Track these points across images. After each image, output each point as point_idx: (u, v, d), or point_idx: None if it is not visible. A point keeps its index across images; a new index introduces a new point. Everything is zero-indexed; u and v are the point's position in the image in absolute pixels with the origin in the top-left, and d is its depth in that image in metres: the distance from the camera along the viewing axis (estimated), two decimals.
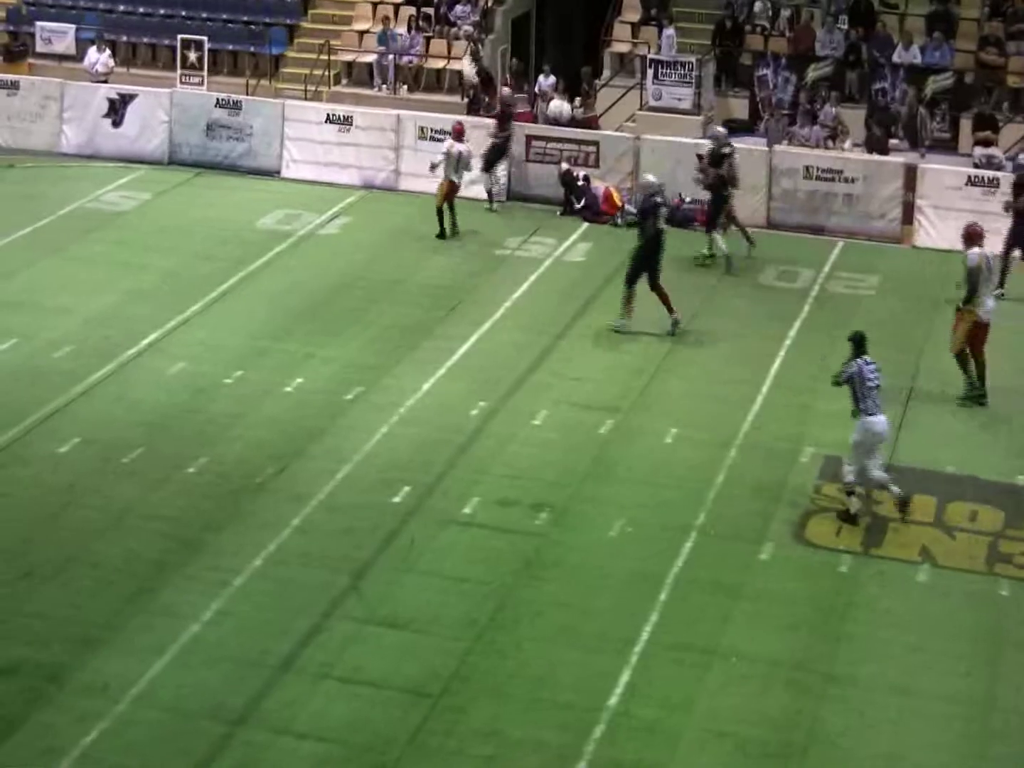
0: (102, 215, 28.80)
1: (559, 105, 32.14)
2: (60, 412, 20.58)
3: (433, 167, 27.75)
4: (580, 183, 29.01)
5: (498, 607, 16.28)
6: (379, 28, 35.11)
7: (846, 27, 33.16)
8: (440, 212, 27.80)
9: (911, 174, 28.22)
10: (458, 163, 27.92)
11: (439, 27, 35.20)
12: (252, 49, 35.82)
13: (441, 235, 27.78)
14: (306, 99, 33.45)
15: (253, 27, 36.27)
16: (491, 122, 30.11)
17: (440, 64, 34.64)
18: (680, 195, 28.23)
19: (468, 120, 30.39)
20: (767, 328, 23.91)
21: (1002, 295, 24.96)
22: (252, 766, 13.91)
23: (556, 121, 31.80)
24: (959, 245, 26.40)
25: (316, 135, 31.18)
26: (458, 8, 35.30)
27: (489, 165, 29.26)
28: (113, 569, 16.88)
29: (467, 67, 32.51)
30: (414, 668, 15.22)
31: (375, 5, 36.27)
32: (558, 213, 28.94)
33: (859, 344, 18.27)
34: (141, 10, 37.08)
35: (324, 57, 34.59)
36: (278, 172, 31.39)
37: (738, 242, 26.88)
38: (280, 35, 36.07)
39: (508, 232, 28.00)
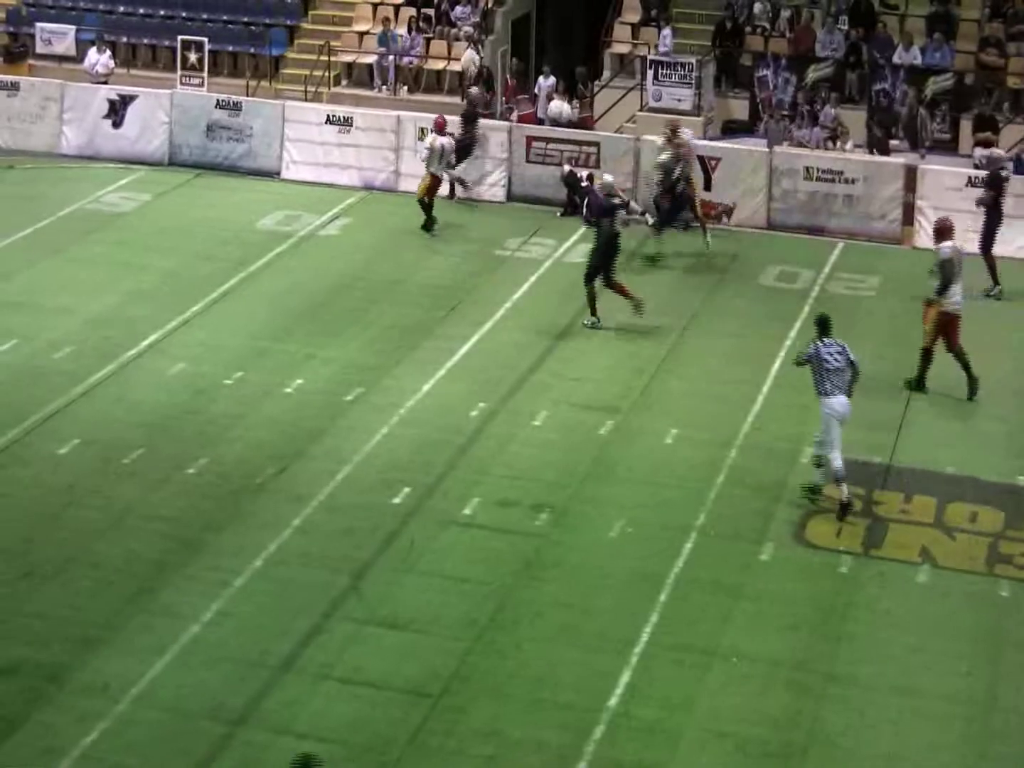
0: (102, 216, 28.80)
1: (559, 106, 32.13)
2: (60, 413, 20.58)
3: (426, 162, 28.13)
4: (583, 184, 28.97)
5: (498, 607, 16.28)
6: (379, 29, 35.12)
7: (846, 28, 33.17)
8: (423, 203, 28.10)
9: (911, 175, 28.23)
10: (442, 156, 28.24)
11: (439, 28, 35.20)
12: (252, 50, 35.81)
13: (427, 226, 28.05)
14: (306, 100, 33.44)
15: (253, 28, 36.27)
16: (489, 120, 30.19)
17: (440, 65, 34.64)
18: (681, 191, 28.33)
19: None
20: (767, 329, 23.91)
21: (1000, 293, 25.04)
22: (252, 766, 13.91)
23: (556, 122, 31.78)
24: (964, 247, 26.55)
25: (316, 136, 31.18)
26: (458, 9, 35.31)
27: (451, 164, 29.27)
28: (113, 569, 16.88)
29: (466, 59, 32.41)
30: (414, 668, 15.23)
31: (375, 6, 36.27)
32: (558, 214, 28.93)
33: (823, 326, 18.51)
34: (141, 11, 37.08)
35: (324, 58, 34.60)
36: (278, 173, 31.39)
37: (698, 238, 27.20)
38: (280, 36, 36.07)
39: (508, 233, 28.00)
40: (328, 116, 31.29)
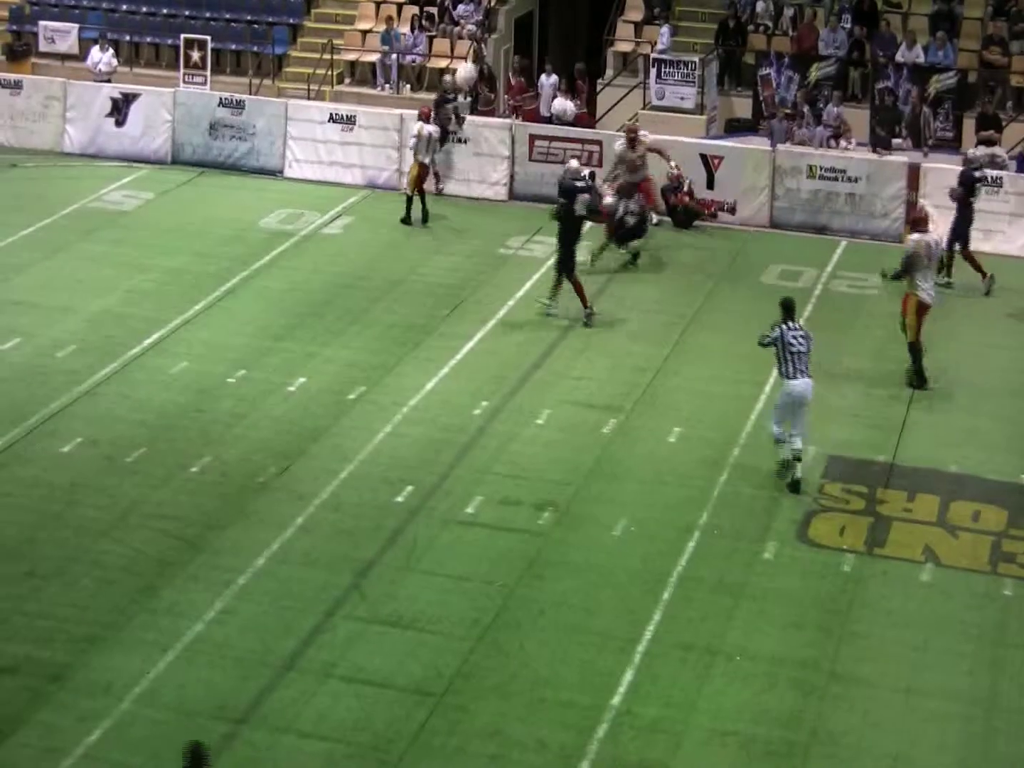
0: (105, 215, 28.80)
1: (562, 104, 32.11)
2: (63, 411, 20.59)
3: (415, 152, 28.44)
4: (586, 183, 28.94)
5: (501, 606, 16.28)
6: (382, 28, 35.10)
7: (849, 26, 33.15)
8: (410, 199, 28.28)
9: (914, 173, 28.19)
10: (428, 144, 28.46)
11: (442, 26, 35.19)
12: (255, 49, 35.81)
13: (406, 220, 28.25)
14: (309, 99, 33.44)
15: (256, 26, 36.26)
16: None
17: (443, 63, 34.61)
18: (685, 188, 28.37)
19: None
20: (770, 328, 23.82)
21: (950, 283, 25.08)
22: (255, 765, 13.91)
23: (560, 120, 31.76)
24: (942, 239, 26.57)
25: (319, 135, 31.16)
26: (461, 7, 35.30)
27: (437, 152, 29.32)
28: (116, 568, 16.89)
29: (463, 71, 32.39)
30: (417, 667, 15.23)
31: (378, 4, 36.25)
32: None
33: (787, 310, 19.03)
34: (144, 9, 37.07)
35: (327, 56, 34.58)
36: (281, 172, 31.37)
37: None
38: (283, 34, 36.07)
39: (511, 231, 27.98)
40: (331, 115, 31.27)
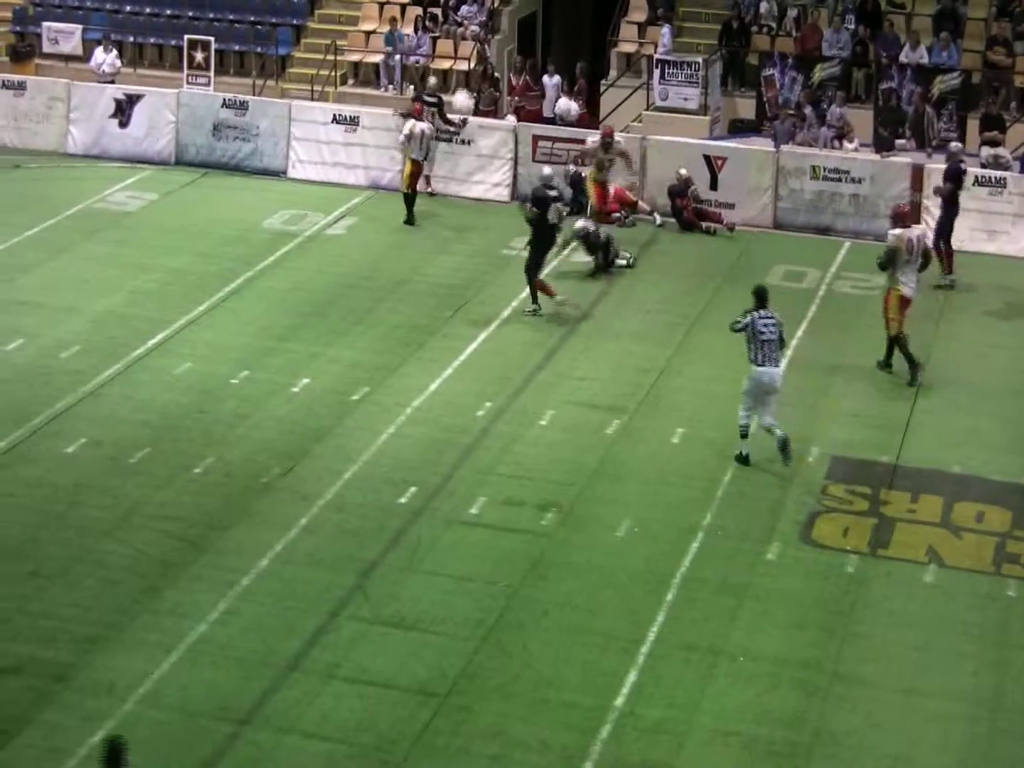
0: (109, 215, 28.82)
1: (566, 104, 32.12)
2: (67, 412, 20.59)
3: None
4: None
5: (504, 607, 16.27)
6: (386, 28, 35.12)
7: (853, 27, 33.13)
8: (407, 198, 28.43)
9: (918, 174, 28.18)
10: (421, 142, 28.52)
11: (446, 27, 35.19)
12: (258, 49, 35.82)
13: (409, 221, 28.35)
14: (312, 99, 33.45)
15: (259, 27, 36.28)
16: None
17: (447, 64, 34.62)
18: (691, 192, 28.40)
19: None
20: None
21: (952, 283, 25.10)
22: (259, 765, 13.91)
23: (563, 120, 31.77)
24: (967, 245, 26.65)
25: (322, 135, 31.18)
26: (464, 8, 35.30)
27: (430, 151, 29.37)
28: (119, 569, 16.89)
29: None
30: (420, 668, 15.23)
31: (381, 5, 36.27)
32: (564, 213, 28.86)
33: (759, 297, 19.32)
34: (148, 10, 37.10)
35: (330, 57, 34.60)
36: (284, 172, 31.39)
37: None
38: (286, 35, 36.08)
39: (514, 232, 27.93)
40: (334, 115, 31.29)
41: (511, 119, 31.38)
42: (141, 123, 32.17)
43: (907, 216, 22.19)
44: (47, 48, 36.54)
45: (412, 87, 33.02)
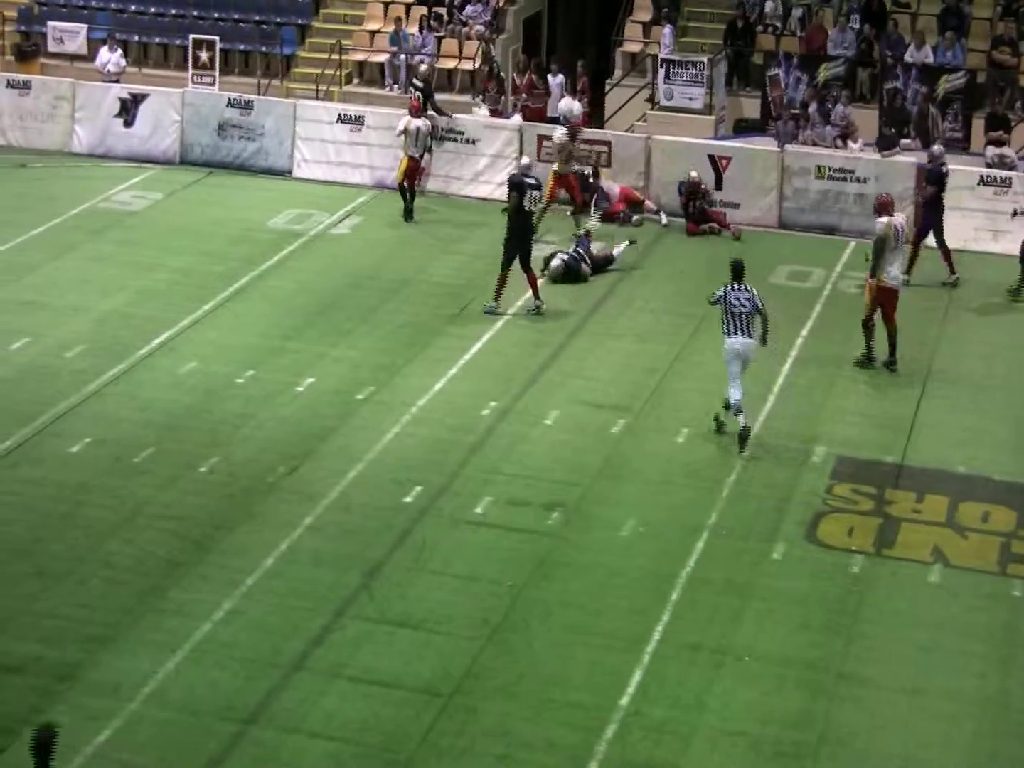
0: (114, 215, 28.82)
1: (569, 104, 32.08)
2: (71, 412, 20.60)
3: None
4: (590, 180, 29.01)
5: (509, 607, 16.27)
6: (391, 28, 35.12)
7: (858, 26, 33.11)
8: (402, 188, 28.54)
9: (922, 174, 28.10)
10: (416, 138, 28.60)
11: (451, 27, 35.20)
12: (264, 49, 35.83)
13: (406, 216, 28.52)
14: (317, 99, 33.45)
15: (264, 27, 36.29)
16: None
17: (452, 64, 34.63)
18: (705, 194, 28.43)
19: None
20: (778, 328, 23.79)
21: (907, 281, 25.16)
22: (263, 765, 13.91)
23: (566, 120, 31.72)
24: (972, 245, 26.61)
25: (327, 135, 31.17)
26: (469, 8, 35.30)
27: (428, 148, 29.48)
28: (124, 568, 16.89)
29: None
30: (425, 668, 15.22)
31: (386, 5, 36.29)
32: (569, 212, 28.89)
33: (735, 271, 19.91)
34: (153, 10, 37.11)
35: (335, 57, 34.61)
36: (289, 172, 31.39)
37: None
38: (291, 35, 36.08)
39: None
40: (339, 115, 31.28)
41: (517, 119, 31.34)
42: (146, 122, 32.16)
43: (891, 205, 22.42)
44: (52, 47, 36.56)
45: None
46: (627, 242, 26.61)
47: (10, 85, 33.04)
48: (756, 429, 20.38)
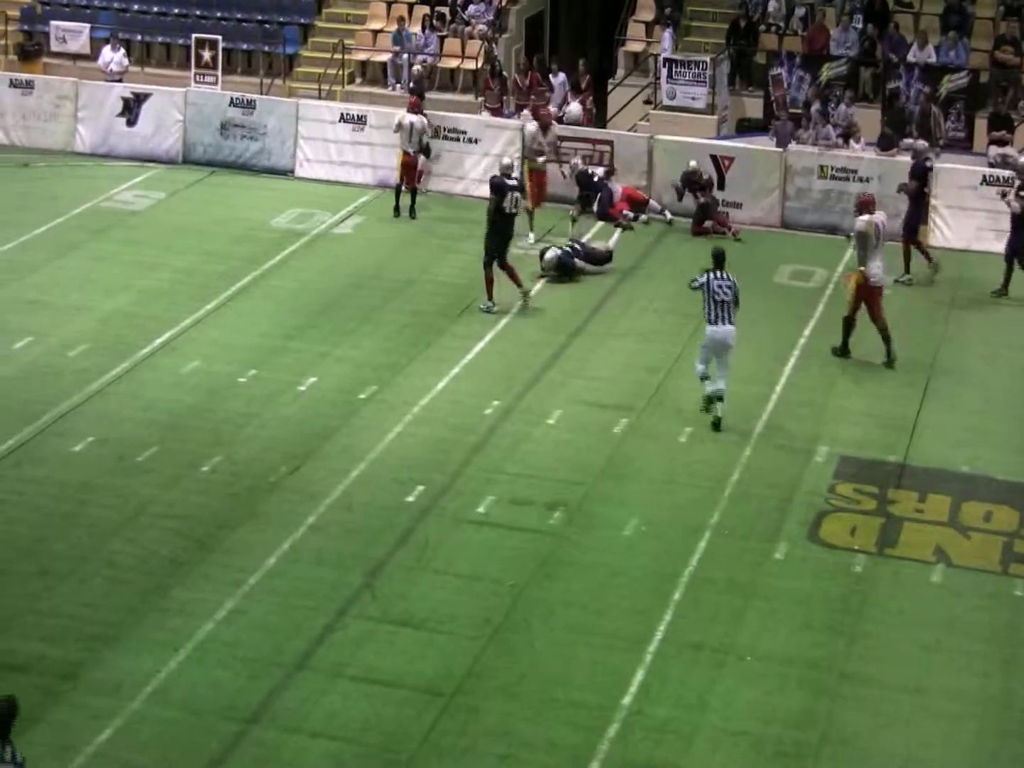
0: (116, 214, 28.83)
1: (569, 105, 32.09)
2: (74, 411, 20.61)
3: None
4: (596, 180, 28.99)
5: (511, 606, 16.27)
6: (393, 27, 35.15)
7: (861, 26, 33.11)
8: (397, 186, 28.63)
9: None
10: (411, 134, 28.65)
11: (453, 26, 35.20)
12: (266, 48, 35.87)
13: (396, 211, 28.54)
14: (320, 98, 33.48)
15: (267, 26, 36.32)
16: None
17: (454, 63, 34.65)
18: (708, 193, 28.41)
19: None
20: (781, 327, 23.89)
21: (909, 280, 25.17)
22: (265, 764, 13.91)
23: (567, 121, 31.70)
24: (975, 244, 26.61)
25: (330, 134, 31.18)
26: (472, 7, 35.32)
27: (424, 146, 29.42)
28: (127, 567, 16.90)
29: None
30: (428, 667, 15.22)
31: (389, 4, 36.31)
32: (570, 212, 28.89)
33: (716, 259, 20.38)
34: (155, 9, 37.15)
35: (338, 56, 34.62)
36: (292, 171, 31.40)
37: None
38: (294, 34, 36.11)
39: (521, 231, 27.93)
40: (342, 114, 31.29)
41: (531, 126, 30.62)
42: (149, 122, 32.18)
43: (872, 204, 22.59)
44: (55, 47, 36.59)
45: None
46: (620, 231, 26.61)
47: (13, 84, 33.07)
48: (759, 428, 20.42)
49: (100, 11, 37.24)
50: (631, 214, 28.64)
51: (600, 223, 28.41)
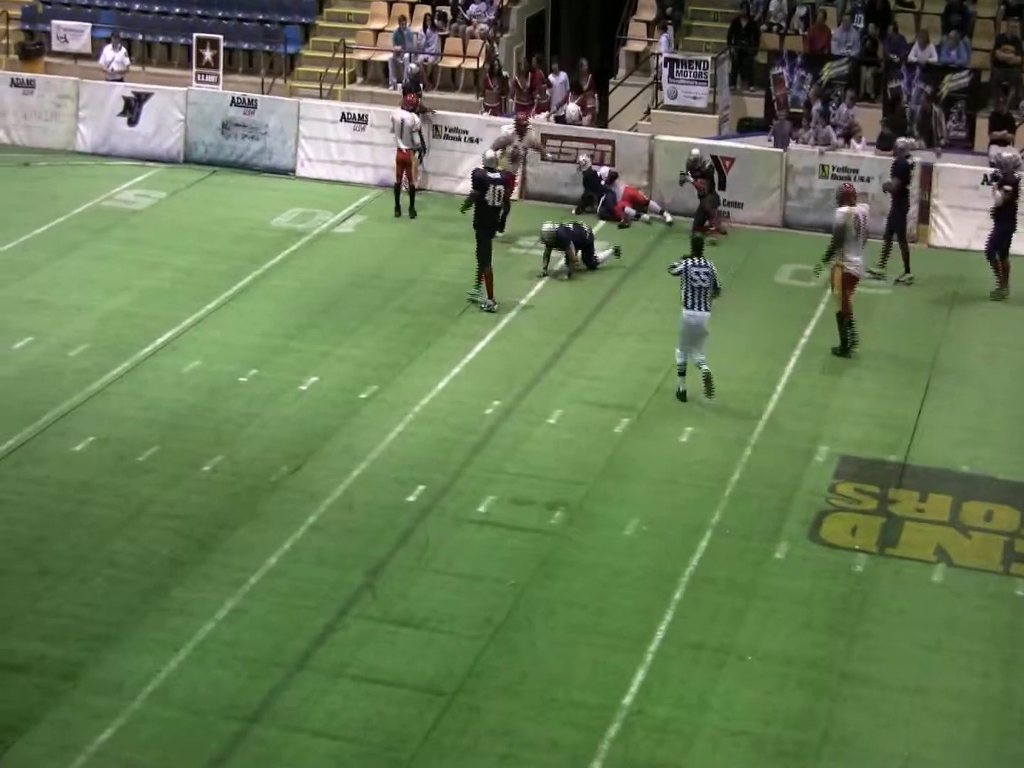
0: (117, 213, 28.84)
1: (571, 105, 32.08)
2: (75, 411, 20.61)
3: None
4: (603, 181, 29.00)
5: (512, 606, 16.27)
6: (394, 27, 35.15)
7: (862, 26, 33.10)
8: (396, 189, 28.75)
9: (927, 173, 28.14)
10: (402, 130, 28.75)
11: (455, 26, 35.20)
12: (267, 48, 35.87)
13: (412, 213, 28.72)
14: (321, 98, 33.48)
15: (268, 26, 36.32)
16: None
17: (455, 63, 34.64)
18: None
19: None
20: (782, 327, 23.89)
21: (883, 275, 25.57)
22: (266, 764, 13.91)
23: (566, 120, 31.70)
24: (976, 244, 26.58)
25: (331, 134, 31.18)
26: (473, 7, 35.32)
27: (419, 144, 29.56)
28: (128, 567, 16.90)
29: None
30: (428, 666, 15.22)
31: (390, 4, 36.31)
32: (573, 211, 28.90)
33: (695, 246, 21.12)
34: (156, 8, 37.15)
35: (339, 56, 34.62)
36: (293, 171, 31.40)
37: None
38: (295, 34, 36.12)
39: (522, 231, 27.95)
40: (343, 114, 31.30)
41: (506, 128, 30.31)
42: (150, 121, 32.19)
43: (853, 196, 22.82)
44: (56, 46, 36.59)
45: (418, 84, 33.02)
46: (611, 250, 26.53)
47: (14, 84, 33.08)
48: (760, 428, 20.43)
49: (101, 10, 37.24)
50: (633, 212, 28.67)
51: (602, 223, 28.40)
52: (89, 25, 36.57)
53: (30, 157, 32.01)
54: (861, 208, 22.62)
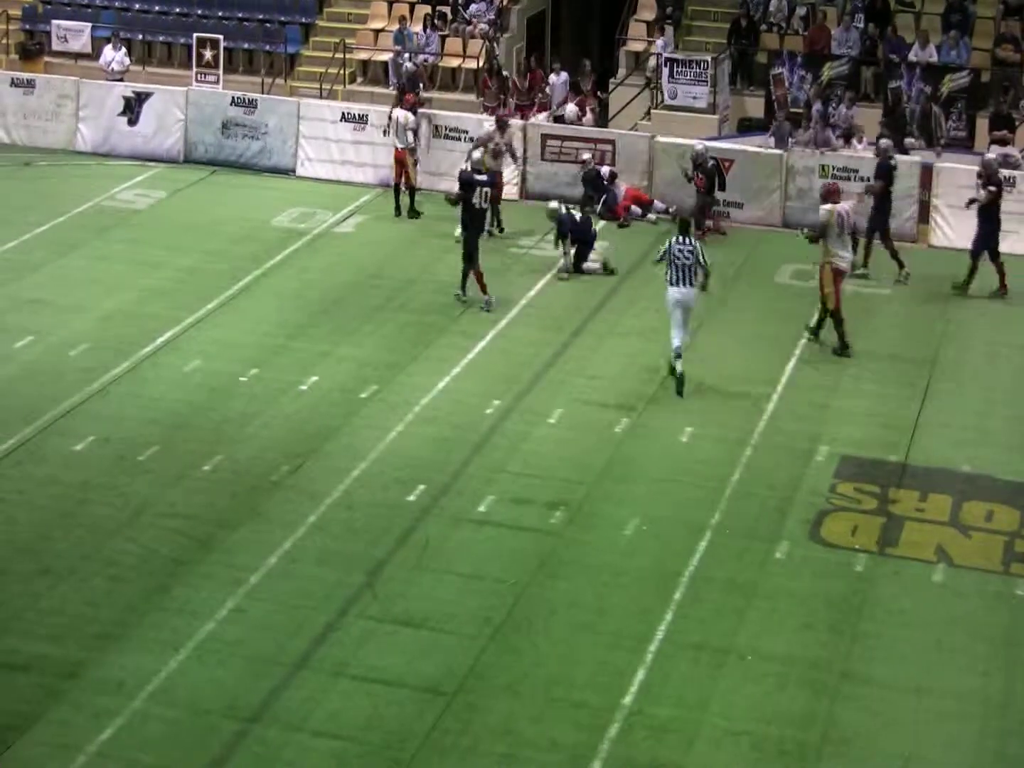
0: (118, 213, 28.85)
1: (571, 106, 32.10)
2: (76, 410, 20.62)
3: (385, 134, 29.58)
4: (604, 182, 28.98)
5: (513, 605, 16.27)
6: (394, 27, 35.17)
7: (862, 26, 33.11)
8: (396, 188, 28.80)
9: (927, 173, 28.15)
10: (398, 128, 28.90)
11: (455, 25, 35.21)
12: (267, 48, 35.90)
13: (413, 213, 28.73)
14: (321, 98, 33.49)
15: (268, 26, 36.35)
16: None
17: (455, 63, 34.65)
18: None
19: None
20: (782, 327, 23.88)
21: (866, 274, 25.67)
22: (267, 763, 13.92)
23: (564, 121, 31.70)
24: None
25: (331, 134, 31.21)
26: (473, 7, 35.33)
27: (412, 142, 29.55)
28: (128, 566, 16.91)
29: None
30: (429, 666, 15.23)
31: (391, 4, 36.35)
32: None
33: (681, 226, 21.81)
34: (157, 8, 37.20)
35: (339, 56, 34.64)
36: (293, 170, 31.42)
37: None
38: (295, 34, 36.15)
39: (523, 230, 27.98)
40: (343, 114, 31.32)
41: (488, 125, 30.26)
42: (150, 121, 32.21)
43: (837, 193, 22.91)
44: (56, 46, 36.63)
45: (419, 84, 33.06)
46: (601, 265, 26.33)
47: (14, 84, 33.13)
48: (760, 428, 20.43)
49: (101, 10, 37.29)
50: (639, 210, 28.68)
51: (602, 222, 28.40)
52: (89, 25, 36.62)
53: (30, 157, 32.04)
54: (844, 205, 22.67)
